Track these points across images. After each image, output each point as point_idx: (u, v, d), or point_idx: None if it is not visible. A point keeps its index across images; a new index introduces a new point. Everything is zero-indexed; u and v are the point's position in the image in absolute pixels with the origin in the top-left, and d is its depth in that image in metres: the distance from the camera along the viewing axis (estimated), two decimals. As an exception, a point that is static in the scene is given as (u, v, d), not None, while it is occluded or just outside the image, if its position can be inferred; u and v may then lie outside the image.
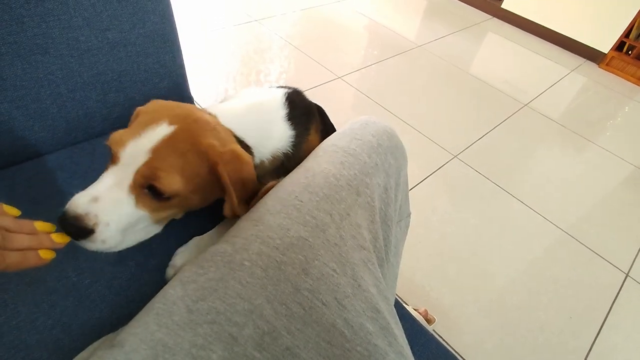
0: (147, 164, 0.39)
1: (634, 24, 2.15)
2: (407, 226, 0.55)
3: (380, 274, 0.41)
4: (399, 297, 1.03)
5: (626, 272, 1.22)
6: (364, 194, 0.42)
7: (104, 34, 0.59)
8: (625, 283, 1.18)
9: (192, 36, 1.84)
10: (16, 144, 0.58)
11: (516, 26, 2.62)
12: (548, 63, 2.31)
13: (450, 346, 0.95)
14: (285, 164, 0.53)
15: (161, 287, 0.38)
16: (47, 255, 0.34)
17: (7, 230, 0.32)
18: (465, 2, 2.82)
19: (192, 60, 1.68)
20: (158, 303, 0.35)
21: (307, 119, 0.56)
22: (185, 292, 0.35)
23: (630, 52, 2.26)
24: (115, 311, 0.45)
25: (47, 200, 0.53)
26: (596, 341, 1.03)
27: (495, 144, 1.62)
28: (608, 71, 2.33)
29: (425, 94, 1.85)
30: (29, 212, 0.52)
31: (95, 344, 0.40)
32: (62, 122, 0.61)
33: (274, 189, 0.44)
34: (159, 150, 0.39)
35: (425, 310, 0.97)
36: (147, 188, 0.40)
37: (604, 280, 1.18)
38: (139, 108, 0.45)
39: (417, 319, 0.82)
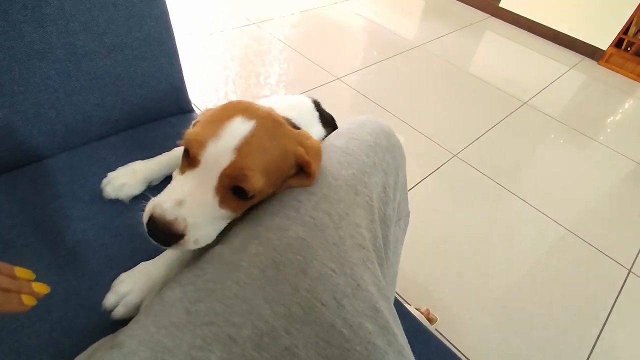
0: (234, 165, 0.37)
1: (632, 21, 2.14)
2: (406, 225, 0.55)
3: (380, 273, 0.41)
4: (400, 296, 1.03)
5: (629, 269, 1.21)
6: (362, 193, 0.42)
7: (100, 39, 0.59)
8: (628, 279, 1.18)
9: (191, 40, 1.85)
10: (15, 148, 0.58)
11: (514, 25, 2.62)
12: (547, 61, 2.31)
13: (453, 345, 0.95)
14: None
15: (160, 291, 0.38)
16: (29, 301, 0.33)
17: None
18: (463, 2, 2.82)
19: (191, 63, 1.69)
20: (156, 305, 0.35)
21: (332, 123, 0.62)
22: (184, 293, 0.35)
23: (629, 49, 2.26)
24: (114, 314, 0.45)
25: (48, 205, 0.53)
26: (600, 338, 1.02)
27: (495, 142, 1.61)
28: (607, 68, 2.32)
29: (424, 93, 1.85)
30: (30, 216, 0.52)
31: (94, 345, 0.40)
32: (60, 127, 0.61)
33: None
34: (243, 150, 0.37)
35: (427, 310, 0.96)
36: (232, 189, 0.38)
37: (606, 277, 1.18)
38: (209, 109, 0.44)
39: (419, 318, 0.82)
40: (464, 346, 0.95)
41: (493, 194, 1.38)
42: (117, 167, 0.56)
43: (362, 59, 1.99)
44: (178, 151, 0.60)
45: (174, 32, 0.70)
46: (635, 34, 2.21)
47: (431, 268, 1.11)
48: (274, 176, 0.40)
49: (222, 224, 0.41)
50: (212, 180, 0.37)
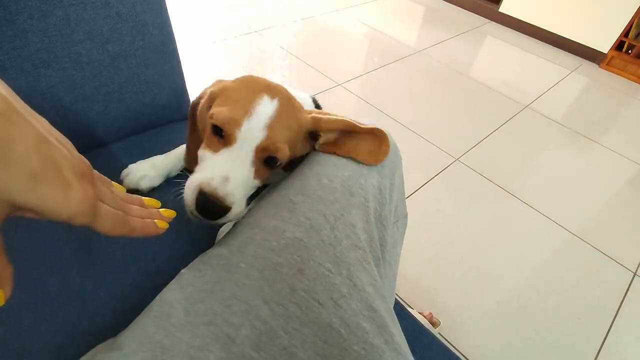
0: (268, 140, 0.42)
1: (633, 23, 2.15)
2: (404, 226, 0.55)
3: (377, 273, 0.41)
4: (403, 300, 1.03)
5: (634, 272, 1.20)
6: (357, 194, 0.43)
7: (104, 47, 0.61)
8: (633, 282, 1.17)
9: (194, 48, 1.88)
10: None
11: (514, 29, 2.63)
12: (548, 64, 2.31)
13: (457, 349, 0.94)
14: None
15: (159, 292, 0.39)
16: (162, 225, 0.36)
17: (123, 200, 0.34)
18: (463, 7, 2.84)
19: (193, 71, 1.71)
20: (156, 306, 0.36)
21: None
22: (183, 294, 0.36)
23: (630, 51, 2.26)
24: (117, 317, 0.46)
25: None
26: (605, 342, 1.01)
27: (497, 146, 1.62)
28: (609, 71, 2.33)
29: (425, 98, 1.86)
30: (33, 221, 0.53)
31: (96, 348, 0.40)
32: (64, 134, 0.62)
33: (269, 194, 0.45)
34: (273, 125, 0.43)
35: (430, 314, 0.96)
36: (264, 160, 0.44)
37: (611, 280, 1.17)
38: (223, 83, 0.48)
39: (422, 322, 0.82)
40: (467, 350, 0.94)
41: (496, 198, 1.38)
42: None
43: (363, 65, 2.01)
44: None
45: (177, 40, 0.72)
46: (636, 37, 2.21)
47: (434, 272, 1.11)
48: (293, 144, 0.46)
49: (249, 193, 0.45)
50: (250, 155, 0.43)
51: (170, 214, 0.38)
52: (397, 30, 2.40)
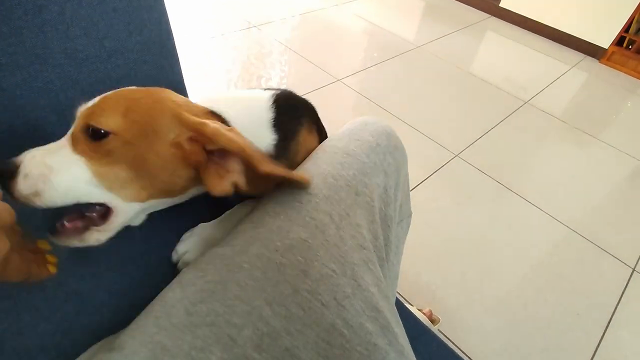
0: (88, 110, 0.38)
1: (634, 19, 2.14)
2: (408, 226, 0.55)
3: (381, 273, 0.41)
4: (403, 297, 1.03)
5: (633, 267, 1.20)
6: (363, 193, 0.42)
7: (101, 43, 0.60)
8: (632, 278, 1.17)
9: (192, 43, 1.86)
10: (16, 152, 0.58)
11: (515, 24, 2.62)
12: (548, 60, 2.31)
13: (457, 346, 0.95)
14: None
15: (161, 292, 0.38)
16: (52, 269, 0.37)
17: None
18: (463, 2, 2.83)
19: (192, 67, 1.70)
20: (157, 306, 0.36)
21: (297, 120, 0.51)
22: (184, 294, 0.36)
23: (630, 47, 2.25)
24: (116, 316, 0.45)
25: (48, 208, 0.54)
26: (604, 337, 1.02)
27: (497, 142, 1.61)
28: (609, 66, 2.32)
29: (425, 94, 1.85)
30: (31, 220, 0.52)
31: (95, 347, 0.40)
32: (61, 131, 0.61)
33: (273, 193, 0.44)
34: (106, 97, 0.39)
35: (430, 311, 0.96)
36: (86, 132, 0.37)
37: (610, 276, 1.17)
38: None
39: (421, 319, 0.82)
40: (467, 347, 0.95)
41: (495, 194, 1.38)
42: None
43: (362, 60, 2.00)
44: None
45: (175, 35, 0.71)
46: (637, 32, 2.20)
47: (433, 269, 1.11)
48: (140, 123, 0.37)
49: (86, 188, 0.37)
50: (70, 131, 0.39)
51: (54, 259, 0.38)
52: (397, 26, 2.38)
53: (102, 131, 0.36)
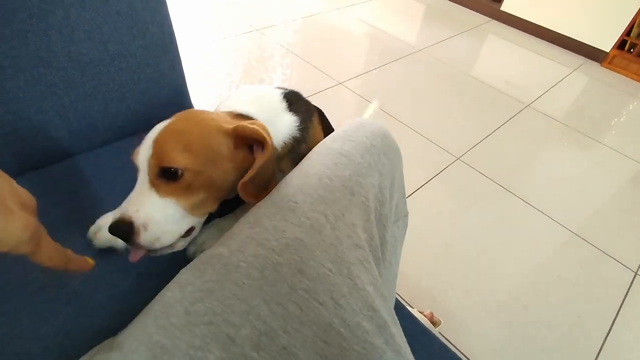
0: (154, 151, 0.41)
1: (635, 22, 2.14)
2: (405, 226, 0.55)
3: (377, 272, 0.41)
4: (404, 299, 1.03)
5: (635, 271, 1.20)
6: (358, 193, 0.43)
7: (104, 46, 0.61)
8: (634, 282, 1.16)
9: (194, 47, 1.88)
10: (20, 155, 0.59)
11: (516, 28, 2.62)
12: (549, 63, 2.31)
13: (457, 348, 0.94)
14: (297, 149, 0.54)
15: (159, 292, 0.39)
16: (91, 261, 0.38)
17: None
18: (464, 6, 2.83)
19: (194, 70, 1.71)
20: (156, 306, 0.36)
21: (307, 109, 0.58)
22: (183, 294, 0.36)
23: (632, 50, 2.25)
24: (116, 318, 0.46)
25: (51, 210, 0.54)
26: (607, 340, 1.01)
27: (498, 145, 1.61)
28: (611, 70, 2.32)
29: (426, 97, 1.86)
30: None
31: (95, 348, 0.40)
32: (65, 133, 0.62)
33: (270, 193, 0.45)
34: (160, 138, 0.42)
35: (431, 313, 0.96)
36: (161, 175, 0.41)
37: (612, 279, 1.17)
38: None
39: (422, 321, 0.82)
40: (468, 349, 0.94)
41: (497, 197, 1.37)
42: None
43: (364, 63, 2.01)
44: None
45: (177, 39, 0.72)
46: (638, 36, 2.20)
47: (435, 271, 1.10)
48: (201, 151, 0.42)
49: (183, 220, 0.43)
50: (145, 177, 0.41)
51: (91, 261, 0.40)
52: (398, 29, 2.39)
53: (178, 171, 0.41)
